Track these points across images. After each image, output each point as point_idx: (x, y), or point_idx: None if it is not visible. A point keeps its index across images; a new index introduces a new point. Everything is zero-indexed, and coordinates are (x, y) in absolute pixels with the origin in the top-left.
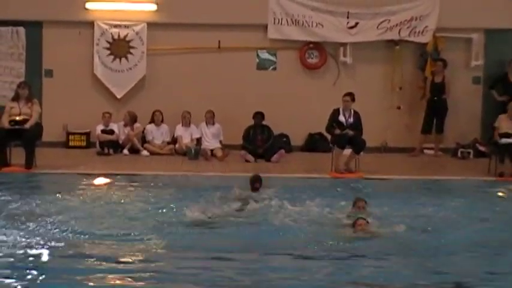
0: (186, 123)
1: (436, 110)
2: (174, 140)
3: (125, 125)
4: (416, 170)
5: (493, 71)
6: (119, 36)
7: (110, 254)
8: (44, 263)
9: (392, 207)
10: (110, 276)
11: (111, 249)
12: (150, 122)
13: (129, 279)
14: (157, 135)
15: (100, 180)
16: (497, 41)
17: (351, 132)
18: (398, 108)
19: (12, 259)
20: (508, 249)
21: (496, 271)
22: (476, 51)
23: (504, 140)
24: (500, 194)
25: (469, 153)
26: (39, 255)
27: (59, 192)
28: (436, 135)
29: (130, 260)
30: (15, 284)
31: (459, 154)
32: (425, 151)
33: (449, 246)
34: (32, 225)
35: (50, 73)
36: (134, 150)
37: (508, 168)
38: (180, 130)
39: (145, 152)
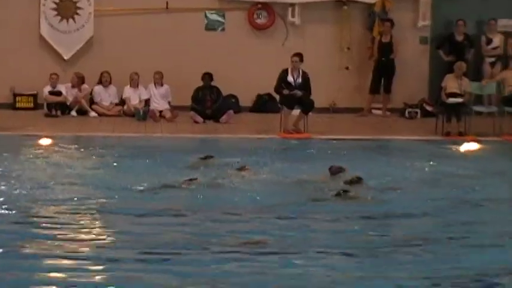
0: (134, 84)
1: (383, 70)
2: (122, 101)
3: (73, 87)
4: (365, 130)
5: (440, 31)
6: None
7: (56, 219)
8: None
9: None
10: (56, 242)
11: (58, 214)
12: (97, 83)
13: (76, 244)
14: (105, 96)
15: (47, 142)
16: (444, 1)
17: (299, 93)
18: (347, 68)
19: None
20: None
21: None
22: (424, 11)
23: (451, 100)
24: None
25: (416, 113)
26: None
27: (6, 154)
28: (384, 95)
29: (78, 225)
30: None
31: (407, 114)
32: (374, 111)
33: (403, 207)
34: None
35: None
36: (82, 112)
37: (454, 127)
38: (128, 91)
39: (93, 114)
